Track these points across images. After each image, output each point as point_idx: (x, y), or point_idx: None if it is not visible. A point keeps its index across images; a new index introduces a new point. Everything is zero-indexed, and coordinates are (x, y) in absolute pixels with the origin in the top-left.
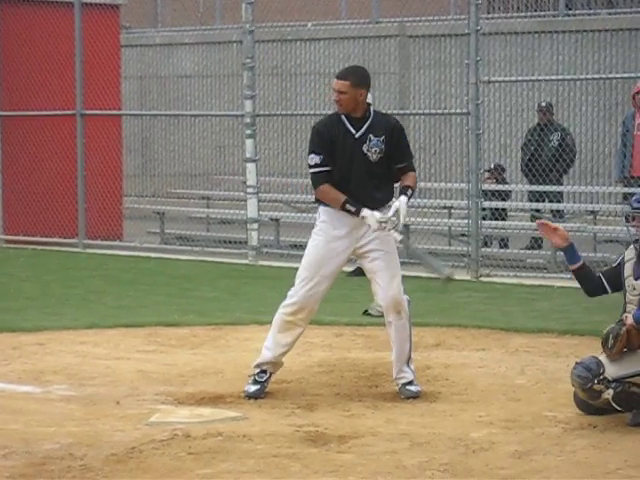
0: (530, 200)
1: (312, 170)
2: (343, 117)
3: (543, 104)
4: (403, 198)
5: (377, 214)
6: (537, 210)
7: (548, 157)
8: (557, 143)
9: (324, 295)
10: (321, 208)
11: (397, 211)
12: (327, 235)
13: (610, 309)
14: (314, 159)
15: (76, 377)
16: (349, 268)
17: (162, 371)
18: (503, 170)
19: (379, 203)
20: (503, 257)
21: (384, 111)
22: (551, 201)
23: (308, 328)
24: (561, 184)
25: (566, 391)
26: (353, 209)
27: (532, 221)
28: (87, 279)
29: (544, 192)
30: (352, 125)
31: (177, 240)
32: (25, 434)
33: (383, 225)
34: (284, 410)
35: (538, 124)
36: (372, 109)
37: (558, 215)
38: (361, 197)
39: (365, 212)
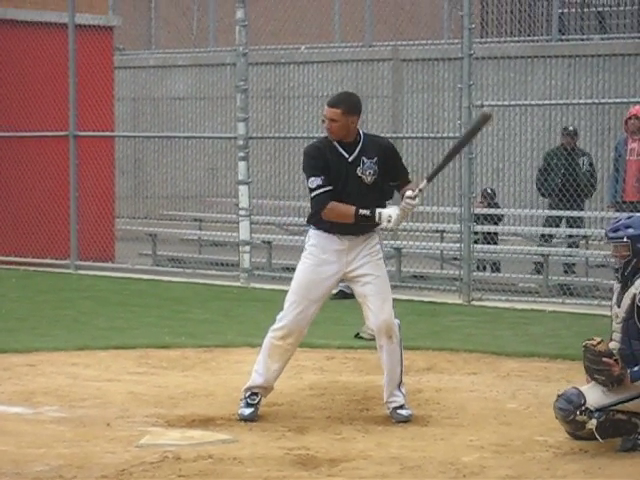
0: (547, 225)
1: (316, 192)
2: (335, 143)
3: (571, 128)
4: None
5: (393, 209)
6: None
7: (576, 182)
8: (587, 168)
9: (312, 319)
10: (311, 231)
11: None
12: (316, 259)
13: (602, 334)
14: (315, 181)
15: (67, 398)
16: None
17: (153, 393)
18: (493, 196)
19: (367, 227)
20: (495, 281)
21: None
22: (571, 226)
23: (299, 351)
24: (582, 209)
25: None
26: (368, 213)
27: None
28: (78, 300)
29: (562, 217)
30: (344, 149)
31: (169, 262)
32: (15, 455)
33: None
34: (275, 433)
35: (564, 148)
36: (362, 132)
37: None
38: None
39: (381, 211)
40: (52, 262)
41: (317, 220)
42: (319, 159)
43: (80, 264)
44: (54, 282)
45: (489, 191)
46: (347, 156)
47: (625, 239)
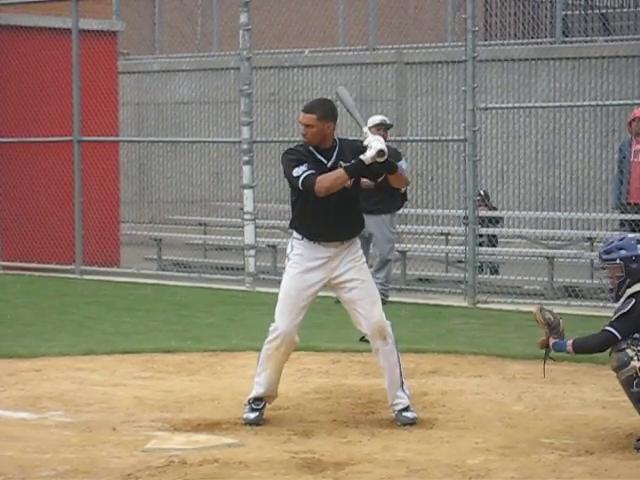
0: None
1: (302, 177)
2: (311, 149)
3: None
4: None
5: (373, 146)
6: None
7: None
8: None
9: (301, 324)
10: (295, 241)
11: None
12: (302, 267)
13: None
14: (300, 169)
15: (72, 403)
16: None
17: (158, 397)
18: (488, 197)
19: (350, 234)
20: (500, 283)
21: None
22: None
23: (305, 355)
24: None
25: (563, 418)
26: (354, 163)
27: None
28: (84, 305)
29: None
30: (322, 155)
31: (174, 266)
32: (21, 460)
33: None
34: (280, 437)
35: None
36: (337, 137)
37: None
38: (333, 227)
39: (364, 155)
40: (57, 267)
41: (300, 226)
42: (299, 155)
43: (85, 269)
44: (59, 287)
45: (481, 193)
46: (325, 162)
47: (618, 261)
